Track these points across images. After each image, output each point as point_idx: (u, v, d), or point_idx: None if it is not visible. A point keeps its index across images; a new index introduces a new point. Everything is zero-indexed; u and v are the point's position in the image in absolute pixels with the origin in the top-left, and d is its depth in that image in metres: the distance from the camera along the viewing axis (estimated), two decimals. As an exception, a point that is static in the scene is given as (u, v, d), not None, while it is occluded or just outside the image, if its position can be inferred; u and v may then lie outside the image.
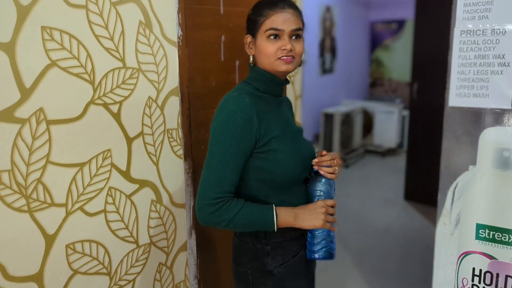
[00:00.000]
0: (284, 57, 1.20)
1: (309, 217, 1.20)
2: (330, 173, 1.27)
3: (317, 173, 1.28)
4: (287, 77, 1.32)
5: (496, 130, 1.74)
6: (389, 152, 5.84)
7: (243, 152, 1.14)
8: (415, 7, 3.96)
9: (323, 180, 1.27)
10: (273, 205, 1.18)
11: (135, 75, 1.34)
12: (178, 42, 1.49)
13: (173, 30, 1.46)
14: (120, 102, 1.31)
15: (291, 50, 1.20)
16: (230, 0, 1.88)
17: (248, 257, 1.24)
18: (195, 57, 1.71)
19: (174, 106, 1.50)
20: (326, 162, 1.26)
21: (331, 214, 1.25)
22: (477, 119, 1.78)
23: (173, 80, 1.49)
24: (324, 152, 1.28)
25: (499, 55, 1.69)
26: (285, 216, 1.17)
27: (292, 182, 1.23)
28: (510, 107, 1.69)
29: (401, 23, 6.47)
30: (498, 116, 1.73)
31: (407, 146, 4.27)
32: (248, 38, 1.27)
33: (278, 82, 1.27)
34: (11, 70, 1.07)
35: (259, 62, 1.25)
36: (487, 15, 1.69)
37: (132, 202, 1.38)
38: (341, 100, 6.11)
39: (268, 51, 1.20)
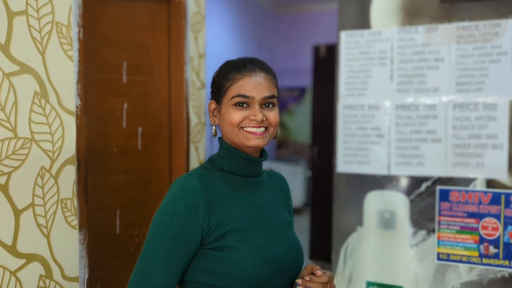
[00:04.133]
0: (253, 129, 1.00)
1: None
2: None
3: None
4: (265, 150, 1.10)
5: (377, 193, 1.94)
6: (296, 212, 6.06)
7: (181, 248, 0.92)
8: (312, 78, 4.35)
9: None
10: None
11: (27, 145, 1.32)
12: (77, 111, 1.50)
13: (71, 99, 1.47)
14: (9, 173, 1.26)
15: (262, 121, 1.00)
16: (133, 70, 1.94)
17: None
18: (95, 124, 1.71)
19: (69, 175, 1.48)
20: (316, 285, 0.96)
21: None
22: (361, 183, 1.97)
23: (69, 148, 1.47)
24: (319, 273, 0.98)
25: (376, 127, 1.92)
26: None
27: None
28: (387, 173, 1.91)
29: (302, 90, 7.00)
30: (378, 181, 1.94)
31: (311, 206, 4.49)
32: (212, 105, 1.07)
33: (247, 159, 1.04)
34: None
35: (224, 134, 1.05)
36: (364, 93, 1.93)
37: (17, 279, 1.30)
38: (249, 161, 6.32)
39: (232, 120, 1.00)
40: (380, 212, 1.93)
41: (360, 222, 1.98)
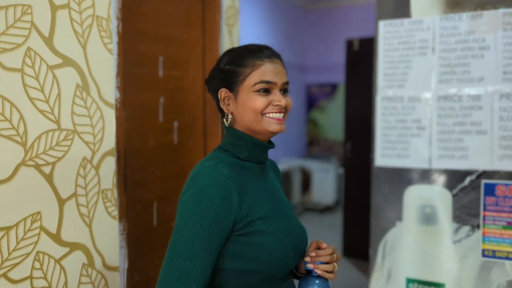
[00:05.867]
0: (276, 114, 1.02)
1: None
2: (329, 272, 1.02)
3: (309, 272, 1.03)
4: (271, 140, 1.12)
5: (418, 188, 1.88)
6: (327, 209, 6.00)
7: (217, 237, 0.92)
8: (345, 72, 4.28)
9: (316, 281, 1.02)
10: None
11: (70, 137, 1.34)
12: (116, 104, 1.51)
13: (111, 92, 1.49)
14: (53, 163, 1.29)
15: (284, 107, 1.03)
16: (169, 64, 1.95)
17: None
18: (133, 118, 1.73)
19: (109, 166, 1.50)
20: (324, 258, 1.01)
21: None
22: (401, 177, 1.92)
23: (109, 141, 1.49)
24: (324, 245, 1.04)
25: (416, 119, 1.86)
26: None
27: (281, 273, 1.00)
28: (428, 167, 1.85)
29: (334, 86, 6.91)
30: (419, 175, 1.88)
31: (343, 203, 4.42)
32: (223, 92, 1.06)
33: (263, 146, 1.06)
34: None
35: (239, 122, 1.05)
36: (404, 84, 1.88)
37: (61, 267, 1.32)
38: (280, 158, 6.28)
39: (256, 106, 1.00)
40: (421, 207, 1.87)
41: (399, 217, 1.92)
